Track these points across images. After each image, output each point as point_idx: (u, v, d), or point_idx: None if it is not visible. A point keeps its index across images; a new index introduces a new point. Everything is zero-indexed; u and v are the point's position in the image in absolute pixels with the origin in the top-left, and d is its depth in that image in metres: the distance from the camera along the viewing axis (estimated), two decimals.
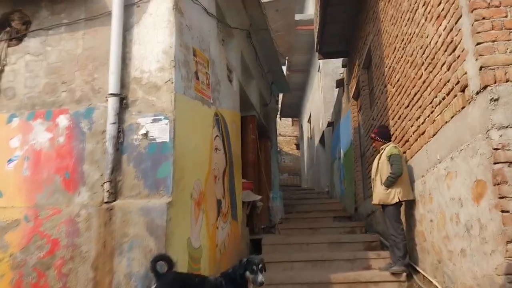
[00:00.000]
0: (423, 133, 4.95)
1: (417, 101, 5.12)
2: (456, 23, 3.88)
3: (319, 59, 11.92)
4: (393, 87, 6.21)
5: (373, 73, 7.67)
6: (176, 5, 4.42)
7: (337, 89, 12.94)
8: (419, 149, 5.12)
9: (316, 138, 18.37)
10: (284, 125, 25.97)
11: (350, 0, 8.39)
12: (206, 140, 5.03)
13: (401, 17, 5.68)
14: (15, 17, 4.80)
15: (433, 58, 4.51)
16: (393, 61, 6.21)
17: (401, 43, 5.73)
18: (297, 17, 15.51)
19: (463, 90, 3.82)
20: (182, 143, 4.28)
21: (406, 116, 5.58)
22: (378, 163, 5.45)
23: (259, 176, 8.66)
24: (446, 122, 4.22)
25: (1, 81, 4.65)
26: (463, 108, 3.82)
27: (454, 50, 3.95)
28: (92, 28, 4.54)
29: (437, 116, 4.47)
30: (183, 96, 4.40)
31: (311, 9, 16.60)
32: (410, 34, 5.31)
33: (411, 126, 5.38)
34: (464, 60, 3.74)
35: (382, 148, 5.48)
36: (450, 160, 4.15)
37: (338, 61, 13.70)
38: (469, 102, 3.67)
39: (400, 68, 5.83)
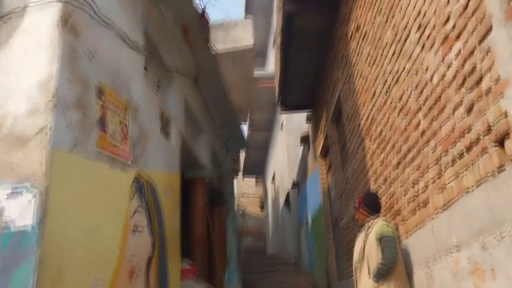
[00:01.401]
0: (425, 204, 3.50)
1: (412, 160, 3.71)
2: (480, 41, 2.54)
3: (280, 113, 10.66)
4: (374, 143, 4.84)
5: (344, 127, 6.36)
6: (65, 20, 2.93)
7: (302, 146, 11.66)
8: (419, 225, 3.64)
9: (281, 200, 16.83)
10: (247, 185, 24.41)
11: (314, 47, 7.24)
12: (116, 219, 3.39)
13: (382, 54, 4.40)
14: None
15: (439, 99, 3.15)
16: (371, 110, 4.89)
17: (383, 86, 4.42)
18: (257, 73, 14.47)
19: (500, 142, 2.42)
20: (61, 229, 2.63)
21: (396, 179, 4.16)
22: (363, 245, 3.92)
23: (210, 253, 6.96)
24: (468, 190, 2.79)
25: None
26: (501, 168, 2.41)
27: (478, 82, 2.60)
28: None
29: (449, 181, 3.04)
30: (68, 155, 2.80)
31: (272, 64, 15.68)
32: (397, 72, 4.00)
33: (405, 194, 3.94)
34: (501, 94, 2.37)
35: (369, 224, 3.98)
36: (480, 249, 2.67)
37: (302, 118, 12.52)
38: None
39: (383, 117, 4.48)
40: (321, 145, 8.13)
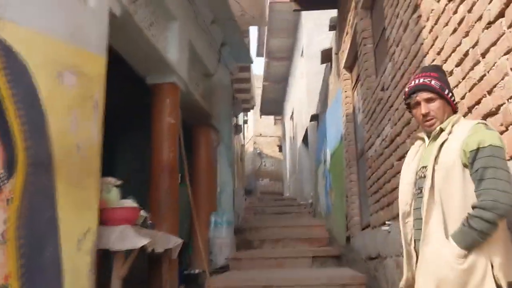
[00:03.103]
0: None
1: None
2: None
3: (294, 10, 8.26)
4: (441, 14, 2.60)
5: (384, 10, 4.07)
6: None
7: (324, 69, 9.36)
8: None
9: (299, 138, 14.73)
10: (265, 124, 22.35)
11: None
12: None
13: None
14: None
15: None
16: None
17: None
18: None
19: None
20: None
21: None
22: (432, 168, 1.79)
23: (191, 190, 4.98)
24: None
25: None
26: None
27: None
28: None
29: None
30: None
31: None
32: None
33: None
34: None
35: (443, 127, 1.85)
36: None
37: (325, 41, 10.07)
38: None
39: None
40: (347, 52, 5.86)
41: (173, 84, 4.61)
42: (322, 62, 8.40)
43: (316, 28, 12.76)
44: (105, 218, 3.03)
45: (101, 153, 2.85)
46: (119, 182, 3.45)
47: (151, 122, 4.51)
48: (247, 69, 12.02)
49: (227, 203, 6.14)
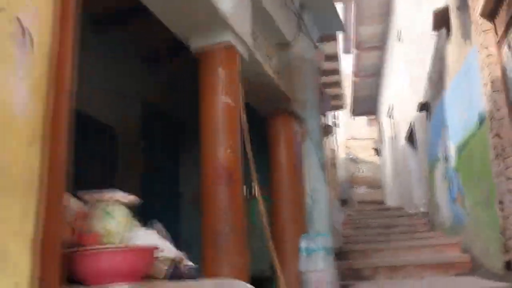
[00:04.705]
0: None
1: None
2: None
3: None
4: None
5: None
6: None
7: (435, 40, 7.25)
8: None
9: (401, 136, 12.46)
10: (357, 126, 20.17)
11: None
12: None
13: None
14: None
15: None
16: None
17: None
18: None
19: None
20: None
21: None
22: None
23: (266, 204, 3.34)
24: None
25: None
26: None
27: None
28: None
29: None
30: None
31: None
32: None
33: None
34: None
35: None
36: None
37: (426, 21, 7.82)
38: None
39: None
40: None
41: (228, 46, 3.03)
42: (435, 28, 6.32)
43: (415, 5, 10.57)
44: (87, 268, 1.49)
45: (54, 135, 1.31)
46: (132, 200, 1.91)
47: (198, 104, 2.95)
48: (335, 57, 10.20)
49: (322, 219, 4.36)
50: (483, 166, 4.55)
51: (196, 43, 3.05)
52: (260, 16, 3.74)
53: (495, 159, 4.06)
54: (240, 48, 3.15)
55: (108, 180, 4.32)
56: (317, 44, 5.35)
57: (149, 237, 1.87)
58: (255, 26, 3.58)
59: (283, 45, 4.29)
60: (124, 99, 5.16)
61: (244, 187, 3.35)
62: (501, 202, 4.01)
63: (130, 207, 1.94)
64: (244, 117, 3.10)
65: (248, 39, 3.27)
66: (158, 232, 2.03)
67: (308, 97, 4.67)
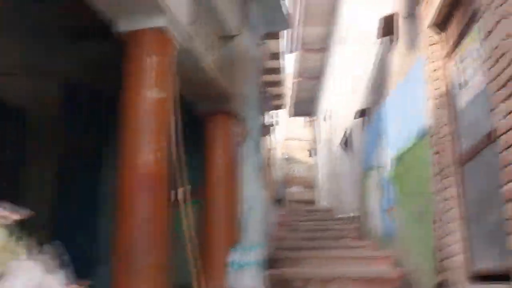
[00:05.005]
0: None
1: None
2: None
3: None
4: None
5: None
6: None
7: (378, 47, 7.21)
8: None
9: (337, 140, 12.53)
10: (295, 126, 20.23)
11: None
12: None
13: None
14: None
15: None
16: None
17: None
18: None
19: None
20: None
21: None
22: None
23: (198, 212, 2.95)
24: None
25: None
26: None
27: None
28: None
29: None
30: None
31: None
32: None
33: None
34: None
35: None
36: None
37: (369, 26, 7.68)
38: None
39: None
40: (438, 2, 3.73)
41: (161, 31, 2.57)
42: (381, 36, 6.23)
43: (359, 7, 10.58)
44: None
45: None
46: (16, 217, 1.45)
47: (120, 97, 2.49)
48: (278, 56, 9.95)
49: (257, 228, 4.04)
50: (421, 182, 4.46)
51: (124, 26, 2.57)
52: (203, 4, 3.33)
53: (435, 176, 3.95)
54: (175, 32, 2.72)
55: (11, 176, 3.69)
56: (262, 41, 5.01)
57: (31, 271, 1.41)
58: (197, 14, 3.16)
59: (227, 38, 3.90)
60: (41, 79, 4.50)
61: (173, 192, 2.96)
62: (436, 222, 3.92)
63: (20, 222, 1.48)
64: (177, 115, 2.68)
65: (185, 24, 2.84)
66: (49, 260, 1.58)
67: (249, 96, 4.32)
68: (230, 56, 4.04)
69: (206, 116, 3.84)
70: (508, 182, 2.57)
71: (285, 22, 4.81)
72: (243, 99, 4.13)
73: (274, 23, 4.80)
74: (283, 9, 4.58)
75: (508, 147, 2.55)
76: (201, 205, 3.80)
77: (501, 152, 2.65)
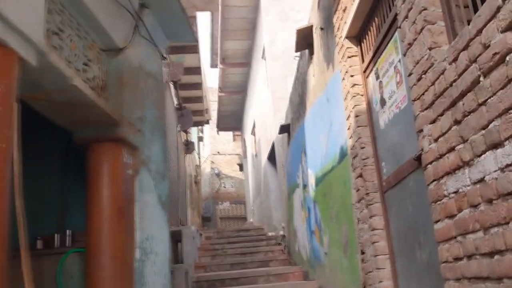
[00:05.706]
0: None
1: None
2: None
3: None
4: None
5: None
6: None
7: (298, 61, 6.83)
8: None
9: (263, 155, 12.11)
10: (223, 141, 19.69)
11: None
12: None
13: None
14: None
15: None
16: None
17: None
18: None
19: None
20: None
21: None
22: None
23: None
24: None
25: None
26: None
27: None
28: None
29: None
30: None
31: None
32: None
33: None
34: None
35: None
36: None
37: (291, 38, 7.32)
38: None
39: None
40: (355, 10, 3.34)
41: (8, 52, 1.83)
42: (298, 50, 5.83)
43: (279, 21, 10.31)
44: None
45: None
46: None
47: None
48: (197, 71, 9.33)
49: (158, 279, 3.33)
50: (344, 207, 4.02)
51: None
52: (75, 10, 2.62)
53: (358, 202, 3.51)
54: (22, 50, 1.99)
55: None
56: (166, 54, 4.35)
57: None
58: (64, 23, 2.45)
59: (113, 51, 3.20)
60: None
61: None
62: (363, 253, 3.47)
63: None
64: (16, 153, 1.95)
65: (39, 38, 2.12)
66: None
67: (147, 117, 3.62)
68: (120, 73, 3.34)
69: (89, 145, 3.10)
70: (439, 220, 2.13)
71: (190, 34, 4.19)
72: (138, 122, 3.43)
73: (178, 35, 4.16)
74: (186, 21, 3.96)
75: (438, 179, 2.11)
76: (84, 255, 3.04)
77: (429, 185, 2.21)
